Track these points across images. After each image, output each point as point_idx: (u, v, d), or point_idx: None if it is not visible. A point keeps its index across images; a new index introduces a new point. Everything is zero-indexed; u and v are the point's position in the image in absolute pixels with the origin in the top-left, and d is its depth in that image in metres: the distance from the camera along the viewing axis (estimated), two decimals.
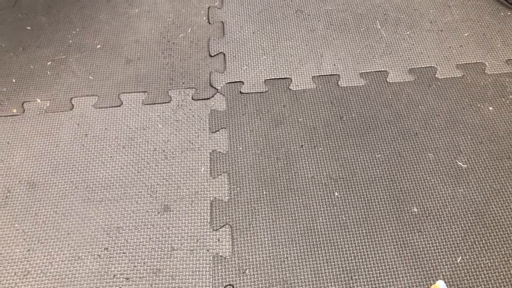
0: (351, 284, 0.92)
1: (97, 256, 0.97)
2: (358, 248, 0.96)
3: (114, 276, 0.94)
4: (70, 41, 1.34)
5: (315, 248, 0.96)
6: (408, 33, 1.32)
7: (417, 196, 1.02)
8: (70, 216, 1.02)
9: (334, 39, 1.31)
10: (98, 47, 1.32)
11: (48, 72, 1.27)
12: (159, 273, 0.94)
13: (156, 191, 1.05)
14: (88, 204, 1.04)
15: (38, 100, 1.21)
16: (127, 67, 1.27)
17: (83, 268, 0.95)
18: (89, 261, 0.96)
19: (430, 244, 0.96)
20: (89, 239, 0.99)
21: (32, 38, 1.35)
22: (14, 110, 1.19)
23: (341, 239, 0.97)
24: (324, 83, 1.22)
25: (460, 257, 0.94)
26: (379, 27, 1.34)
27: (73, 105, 1.20)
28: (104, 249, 0.98)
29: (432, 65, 1.24)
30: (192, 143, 1.12)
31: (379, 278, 0.92)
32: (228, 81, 1.23)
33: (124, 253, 0.97)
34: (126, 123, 1.17)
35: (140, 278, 0.94)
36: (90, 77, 1.25)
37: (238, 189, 1.05)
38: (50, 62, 1.29)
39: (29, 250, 0.98)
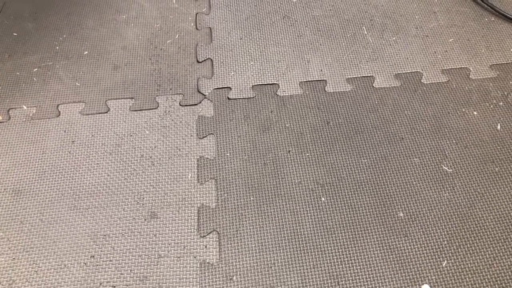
0: None
1: (83, 264, 0.96)
2: (344, 253, 0.96)
3: (101, 284, 0.93)
4: (57, 48, 1.33)
5: (302, 253, 0.96)
6: (394, 38, 1.33)
7: (403, 201, 1.03)
8: (56, 224, 1.01)
9: (320, 44, 1.32)
10: (85, 53, 1.32)
11: (35, 79, 1.26)
12: (145, 280, 0.94)
13: (143, 198, 1.05)
14: (74, 212, 1.03)
15: (24, 107, 1.21)
16: (114, 73, 1.27)
17: (69, 276, 0.94)
18: (75, 269, 0.95)
19: (416, 249, 0.97)
20: (75, 247, 0.98)
21: (18, 45, 1.34)
22: (0, 117, 1.18)
23: (328, 244, 0.97)
24: (311, 89, 1.23)
25: (446, 261, 0.95)
26: (366, 32, 1.35)
27: (59, 111, 1.20)
28: (91, 256, 0.97)
29: (418, 70, 1.26)
30: (179, 149, 1.12)
31: (366, 283, 0.93)
32: (216, 87, 1.24)
33: (110, 260, 0.96)
34: (113, 130, 1.16)
35: (127, 285, 0.93)
36: (77, 84, 1.25)
37: (226, 195, 1.05)
38: (36, 69, 1.28)
39: (14, 259, 0.97)
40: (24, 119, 1.19)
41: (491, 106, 1.18)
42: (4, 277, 0.95)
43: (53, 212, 1.03)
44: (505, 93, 1.20)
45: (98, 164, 1.10)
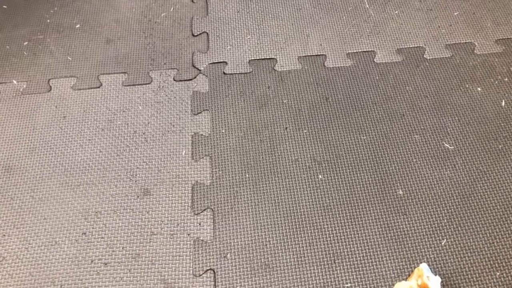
0: (334, 267, 0.90)
1: (75, 241, 0.94)
2: (341, 231, 0.94)
3: (92, 261, 0.92)
4: (48, 21, 1.29)
5: (298, 231, 0.94)
6: (396, 12, 1.28)
7: (403, 179, 1.00)
8: (47, 200, 0.99)
9: (321, 18, 1.28)
10: (77, 26, 1.28)
11: (25, 53, 1.23)
12: (138, 258, 0.92)
13: (136, 175, 1.02)
14: (65, 188, 1.01)
15: (14, 82, 1.17)
16: (107, 47, 1.23)
17: (60, 253, 0.93)
18: (66, 246, 0.94)
19: (415, 227, 0.94)
20: (66, 224, 0.96)
21: (8, 17, 1.30)
22: None
23: (325, 222, 0.95)
24: (310, 64, 1.19)
25: (445, 239, 0.93)
26: (367, 6, 1.30)
27: (50, 86, 1.16)
28: (82, 234, 0.95)
29: (421, 45, 1.21)
30: (173, 126, 1.09)
31: (363, 261, 0.91)
32: (211, 62, 1.20)
33: (102, 238, 0.94)
34: (105, 105, 1.13)
35: (119, 263, 0.91)
36: (68, 58, 1.21)
37: (220, 172, 1.02)
38: (27, 42, 1.24)
39: (4, 235, 0.95)
40: (14, 94, 1.15)
41: (496, 82, 1.14)
42: None
43: (44, 189, 1.01)
44: (511, 68, 1.16)
45: (90, 140, 1.08)
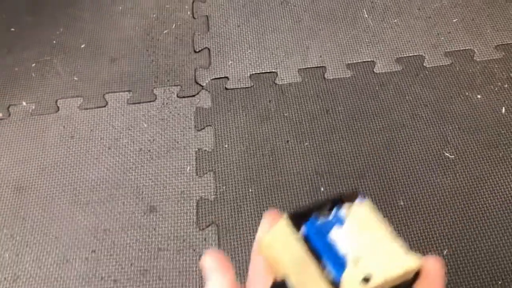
0: None
1: (85, 259, 0.97)
2: None
3: (102, 278, 0.95)
4: (54, 42, 1.33)
5: None
6: (395, 21, 1.29)
7: (404, 189, 1.02)
8: (58, 219, 1.03)
9: (320, 29, 1.29)
10: (82, 46, 1.31)
11: (33, 74, 1.26)
12: (146, 274, 0.95)
13: (142, 192, 1.05)
14: (75, 207, 1.04)
15: (24, 103, 1.21)
16: (111, 66, 1.26)
17: (71, 271, 0.96)
18: (77, 264, 0.97)
19: (416, 238, 0.96)
20: (76, 242, 1.00)
21: (16, 40, 1.34)
22: (0, 114, 1.19)
23: None
24: (310, 76, 1.21)
25: (446, 249, 0.94)
26: (366, 15, 1.31)
27: (58, 107, 1.20)
28: (92, 251, 0.98)
29: (420, 54, 1.22)
30: (177, 142, 1.12)
31: None
32: (213, 77, 1.22)
33: (111, 255, 0.98)
34: (111, 124, 1.16)
35: (128, 279, 0.94)
36: (75, 78, 1.25)
37: (224, 187, 1.05)
38: (34, 64, 1.28)
39: (18, 254, 0.99)
40: (24, 116, 1.19)
41: (496, 89, 1.15)
42: (9, 273, 0.97)
43: (55, 208, 1.04)
44: (511, 74, 1.16)
45: (97, 158, 1.11)
